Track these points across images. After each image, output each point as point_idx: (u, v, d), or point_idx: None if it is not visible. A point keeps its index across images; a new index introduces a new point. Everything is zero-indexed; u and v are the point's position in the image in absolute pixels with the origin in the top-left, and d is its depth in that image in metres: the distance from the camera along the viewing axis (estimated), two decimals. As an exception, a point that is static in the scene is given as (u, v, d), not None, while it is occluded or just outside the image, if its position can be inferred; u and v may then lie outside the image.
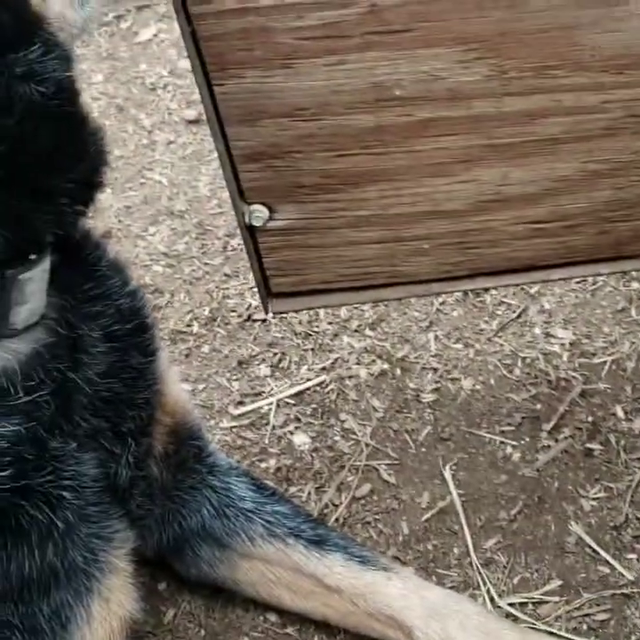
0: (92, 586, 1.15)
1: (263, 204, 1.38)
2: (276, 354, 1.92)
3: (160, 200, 2.33)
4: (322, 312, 1.96)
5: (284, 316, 1.96)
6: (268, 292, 1.49)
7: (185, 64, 2.75)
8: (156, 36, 2.91)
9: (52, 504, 1.09)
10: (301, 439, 1.75)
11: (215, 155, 2.39)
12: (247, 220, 1.38)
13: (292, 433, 1.76)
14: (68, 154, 1.06)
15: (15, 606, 1.09)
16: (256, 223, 1.38)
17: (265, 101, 1.28)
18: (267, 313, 1.54)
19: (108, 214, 2.25)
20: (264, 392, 1.85)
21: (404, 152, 1.33)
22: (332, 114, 1.29)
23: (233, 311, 2.02)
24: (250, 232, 1.41)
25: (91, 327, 1.18)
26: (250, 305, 2.02)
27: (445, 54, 1.24)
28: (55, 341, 1.11)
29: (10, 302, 1.04)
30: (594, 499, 1.61)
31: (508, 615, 1.47)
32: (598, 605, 1.48)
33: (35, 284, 1.06)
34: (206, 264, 2.14)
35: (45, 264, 1.08)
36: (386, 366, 1.85)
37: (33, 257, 1.06)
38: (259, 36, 1.22)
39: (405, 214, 1.39)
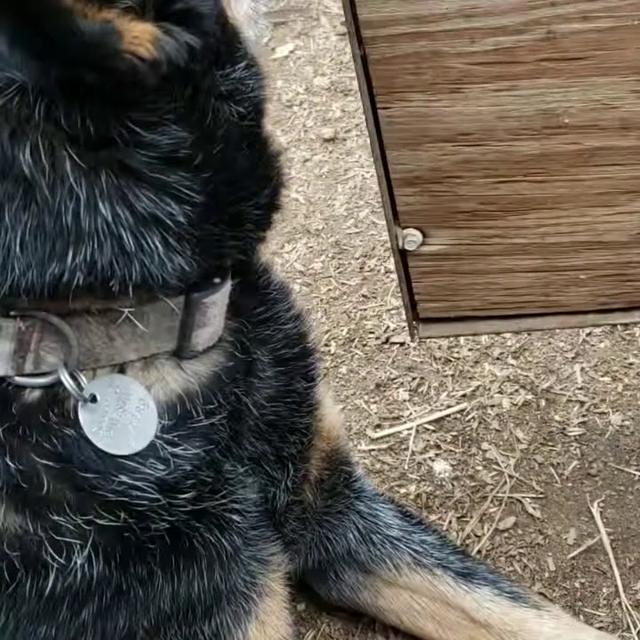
0: (250, 609, 1.15)
1: (417, 228, 1.36)
2: (414, 378, 1.90)
3: (296, 218, 2.34)
4: (462, 338, 1.93)
5: (424, 340, 1.94)
6: (415, 317, 1.47)
7: (321, 82, 2.76)
8: (292, 52, 2.92)
9: (223, 527, 1.10)
10: (442, 466, 1.72)
11: (351, 174, 2.42)
12: (400, 243, 1.36)
13: (432, 460, 1.74)
14: (256, 178, 1.05)
15: (179, 627, 1.10)
16: (409, 247, 1.37)
17: (429, 125, 1.27)
18: (413, 338, 1.52)
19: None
20: (402, 416, 1.83)
21: (567, 181, 1.30)
22: (497, 140, 1.27)
23: (371, 333, 2.00)
24: (402, 256, 1.39)
25: (262, 351, 1.18)
26: (388, 327, 2.00)
27: (619, 83, 1.21)
28: (233, 365, 1.11)
29: (193, 325, 1.04)
30: None
31: (660, 661, 1.43)
32: None
33: (216, 307, 1.06)
34: (343, 284, 2.13)
35: (227, 288, 1.08)
36: (530, 397, 1.81)
37: (216, 281, 1.06)
38: (429, 60, 1.21)
39: (563, 244, 1.36)
